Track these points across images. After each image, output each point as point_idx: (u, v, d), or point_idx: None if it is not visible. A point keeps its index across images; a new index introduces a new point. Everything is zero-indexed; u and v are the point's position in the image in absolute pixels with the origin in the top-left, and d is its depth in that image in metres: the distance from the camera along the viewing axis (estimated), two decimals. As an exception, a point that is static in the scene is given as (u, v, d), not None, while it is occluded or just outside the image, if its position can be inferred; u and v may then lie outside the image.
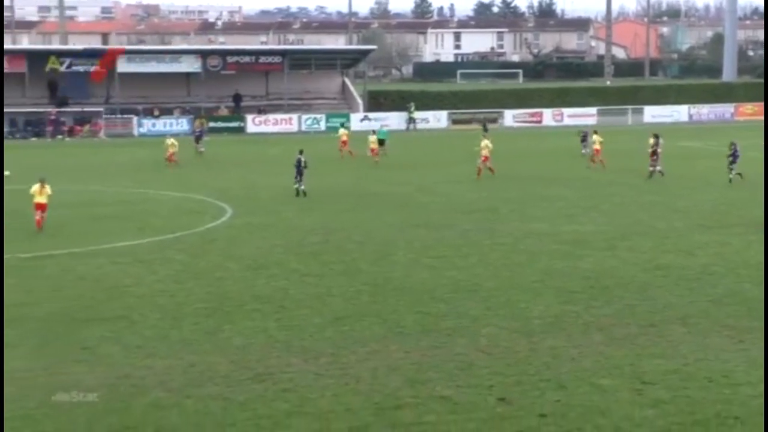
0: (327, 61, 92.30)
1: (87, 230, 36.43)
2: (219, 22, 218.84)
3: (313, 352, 21.32)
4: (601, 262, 29.99)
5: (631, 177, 48.78)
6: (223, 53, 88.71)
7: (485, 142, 49.80)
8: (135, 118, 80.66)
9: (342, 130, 62.66)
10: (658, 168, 48.20)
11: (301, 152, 44.17)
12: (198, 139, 64.20)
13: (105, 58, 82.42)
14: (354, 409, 18.06)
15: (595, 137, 54.18)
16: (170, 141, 56.49)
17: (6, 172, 39.91)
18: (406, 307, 24.87)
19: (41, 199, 35.77)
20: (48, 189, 35.95)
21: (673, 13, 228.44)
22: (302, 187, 43.36)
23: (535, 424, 17.36)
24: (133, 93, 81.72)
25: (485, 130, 68.92)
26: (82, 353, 21.22)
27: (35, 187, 35.96)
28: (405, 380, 19.49)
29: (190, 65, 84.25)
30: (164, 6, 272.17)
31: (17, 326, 23.17)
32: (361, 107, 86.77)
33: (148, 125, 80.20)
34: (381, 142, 58.86)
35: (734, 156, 47.37)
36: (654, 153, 48.27)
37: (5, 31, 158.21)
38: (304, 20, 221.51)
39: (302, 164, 43.55)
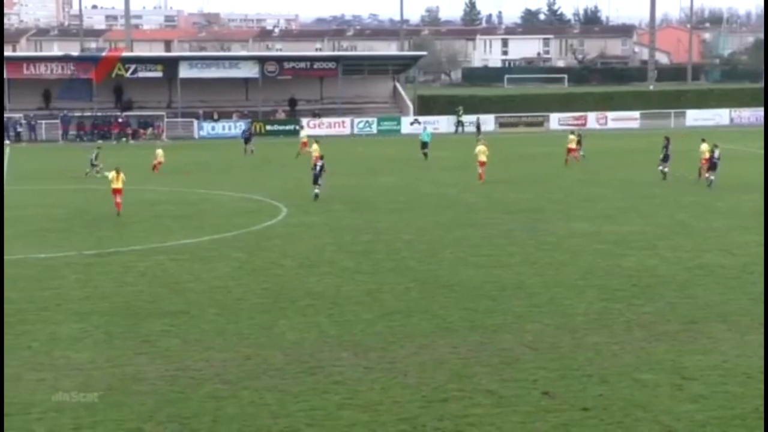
0: (379, 66, 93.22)
1: (148, 229, 37.43)
2: (276, 30, 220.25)
3: (363, 346, 21.87)
4: (643, 261, 30.40)
5: (671, 178, 48.70)
6: (280, 59, 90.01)
7: (481, 148, 49.74)
8: (195, 122, 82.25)
9: (303, 132, 64.85)
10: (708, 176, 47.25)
11: (321, 157, 44.70)
12: (247, 140, 65.82)
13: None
14: (402, 401, 18.47)
15: (570, 137, 55.79)
16: (159, 152, 57.02)
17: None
18: (454, 304, 25.42)
19: (118, 185, 39.90)
20: (123, 176, 40.09)
21: (716, 20, 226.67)
22: (316, 191, 43.00)
23: (578, 417, 17.72)
24: (194, 97, 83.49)
25: (479, 132, 71.01)
26: (143, 346, 21.90)
27: (112, 174, 39.86)
28: (452, 374, 19.95)
29: (248, 71, 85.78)
30: (224, 14, 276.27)
31: (83, 320, 24.09)
32: (411, 111, 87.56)
33: (208, 128, 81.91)
34: (424, 145, 59.52)
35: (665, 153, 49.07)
36: (709, 160, 47.56)
37: (74, 39, 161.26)
38: (358, 27, 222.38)
39: (321, 169, 43.33)
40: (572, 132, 58.74)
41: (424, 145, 59.65)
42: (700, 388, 19.10)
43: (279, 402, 18.50)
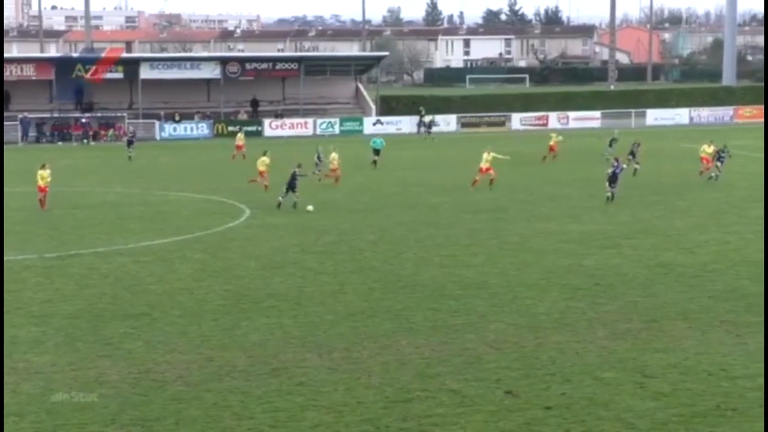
0: (341, 67, 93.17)
1: (110, 230, 37.24)
2: (238, 31, 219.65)
3: (326, 347, 21.89)
4: (605, 260, 30.63)
5: (630, 177, 48.90)
6: (242, 60, 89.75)
7: (486, 156, 48.49)
8: (157, 123, 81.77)
9: (240, 134, 64.79)
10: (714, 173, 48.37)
11: (299, 166, 42.32)
12: (129, 144, 65.15)
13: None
14: (366, 402, 18.54)
15: (552, 135, 57.83)
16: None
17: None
18: (417, 304, 25.49)
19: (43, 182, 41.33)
20: (48, 172, 41.27)
21: (675, 20, 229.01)
22: (295, 200, 41.09)
23: (541, 416, 17.84)
24: (156, 99, 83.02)
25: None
26: (105, 349, 21.79)
27: (40, 172, 40.75)
28: (415, 374, 20.02)
29: (209, 72, 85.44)
30: (185, 15, 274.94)
31: (44, 323, 23.93)
32: (373, 111, 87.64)
33: (170, 129, 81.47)
34: (377, 152, 58.98)
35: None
36: (718, 158, 48.51)
37: (34, 40, 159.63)
38: (320, 28, 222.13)
39: (296, 177, 41.35)
40: (554, 131, 59.57)
41: (377, 152, 59.29)
42: (662, 386, 19.26)
43: (242, 404, 18.48)
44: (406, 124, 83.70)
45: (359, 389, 19.24)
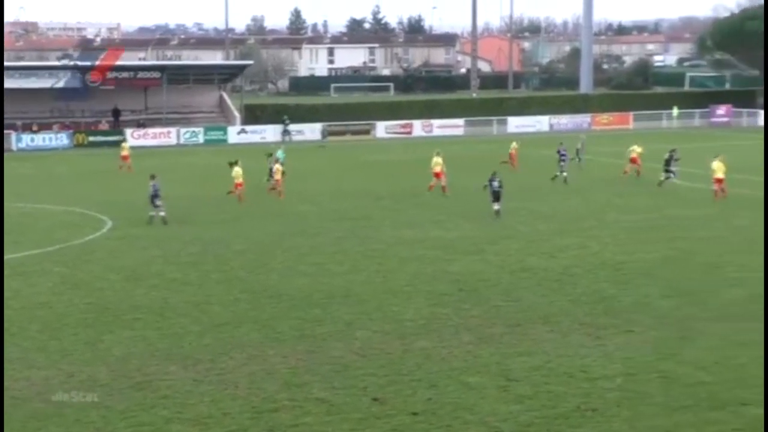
0: (204, 76, 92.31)
1: (-40, 246, 36.03)
2: (98, 39, 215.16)
3: (191, 359, 21.67)
4: (469, 266, 31.05)
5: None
6: (102, 69, 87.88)
7: (438, 159, 48.60)
8: (14, 134, 79.40)
9: (124, 144, 64.08)
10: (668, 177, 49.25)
11: (153, 177, 40.69)
12: None
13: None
14: (232, 413, 18.41)
15: (513, 144, 58.34)
16: None
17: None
18: (283, 314, 25.44)
19: None
20: None
21: (534, 29, 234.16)
22: (162, 214, 39.78)
23: (408, 421, 18.00)
24: (12, 108, 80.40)
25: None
26: (-41, 367, 21.16)
27: None
28: (282, 384, 19.97)
29: (69, 81, 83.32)
30: (42, 24, 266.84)
31: None
32: (238, 120, 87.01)
33: (27, 140, 79.21)
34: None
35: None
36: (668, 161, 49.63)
37: None
38: (182, 36, 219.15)
39: (158, 189, 39.93)
40: (514, 141, 60.33)
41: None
42: (525, 388, 19.62)
43: (104, 419, 18.18)
44: (271, 132, 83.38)
45: (225, 400, 19.09)
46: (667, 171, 48.71)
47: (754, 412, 18.11)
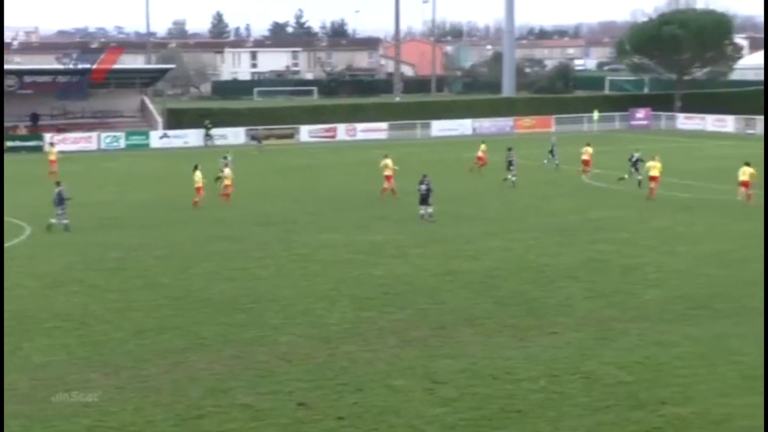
0: (126, 80, 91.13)
1: None
2: (15, 42, 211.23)
3: (113, 366, 21.42)
4: (394, 269, 31.14)
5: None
6: (20, 73, 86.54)
7: (386, 162, 48.38)
8: (-76, 140, 77.57)
9: (52, 149, 63.61)
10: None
11: (58, 183, 40.40)
12: None
13: None
14: (155, 420, 18.27)
15: (482, 146, 58.29)
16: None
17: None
18: (207, 319, 25.25)
19: None
20: None
21: (457, 33, 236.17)
22: (65, 221, 38.99)
23: (334, 426, 18.00)
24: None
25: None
26: None
27: None
28: (206, 390, 19.84)
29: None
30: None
31: None
32: (160, 125, 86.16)
33: (-62, 146, 77.37)
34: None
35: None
36: (634, 164, 50.40)
37: None
38: (102, 40, 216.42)
39: (63, 196, 39.28)
40: (483, 141, 59.98)
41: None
42: (450, 391, 19.73)
43: (25, 429, 17.91)
44: (194, 137, 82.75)
45: (148, 408, 18.91)
46: (633, 172, 50.11)
47: (672, 410, 18.49)
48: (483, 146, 58.77)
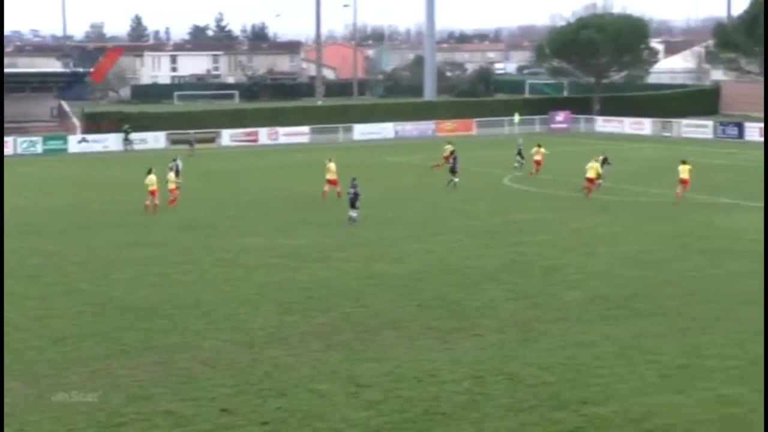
0: (42, 83, 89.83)
1: None
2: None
3: (32, 374, 21.10)
4: (317, 273, 31.11)
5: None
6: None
7: (330, 165, 48.09)
8: None
9: None
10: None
11: None
12: None
13: None
14: (76, 429, 18.06)
15: (447, 146, 58.67)
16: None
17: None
18: (129, 325, 24.99)
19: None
20: None
21: (378, 37, 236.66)
22: None
23: (258, 431, 17.94)
24: None
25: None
26: None
27: None
28: (128, 397, 19.65)
29: None
30: None
31: None
32: (78, 129, 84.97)
33: None
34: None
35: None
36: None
37: None
38: (18, 43, 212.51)
39: None
40: (449, 143, 59.90)
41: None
42: (375, 394, 19.78)
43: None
44: (113, 141, 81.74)
45: (69, 416, 18.67)
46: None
47: (593, 410, 18.77)
48: (449, 146, 59.16)
